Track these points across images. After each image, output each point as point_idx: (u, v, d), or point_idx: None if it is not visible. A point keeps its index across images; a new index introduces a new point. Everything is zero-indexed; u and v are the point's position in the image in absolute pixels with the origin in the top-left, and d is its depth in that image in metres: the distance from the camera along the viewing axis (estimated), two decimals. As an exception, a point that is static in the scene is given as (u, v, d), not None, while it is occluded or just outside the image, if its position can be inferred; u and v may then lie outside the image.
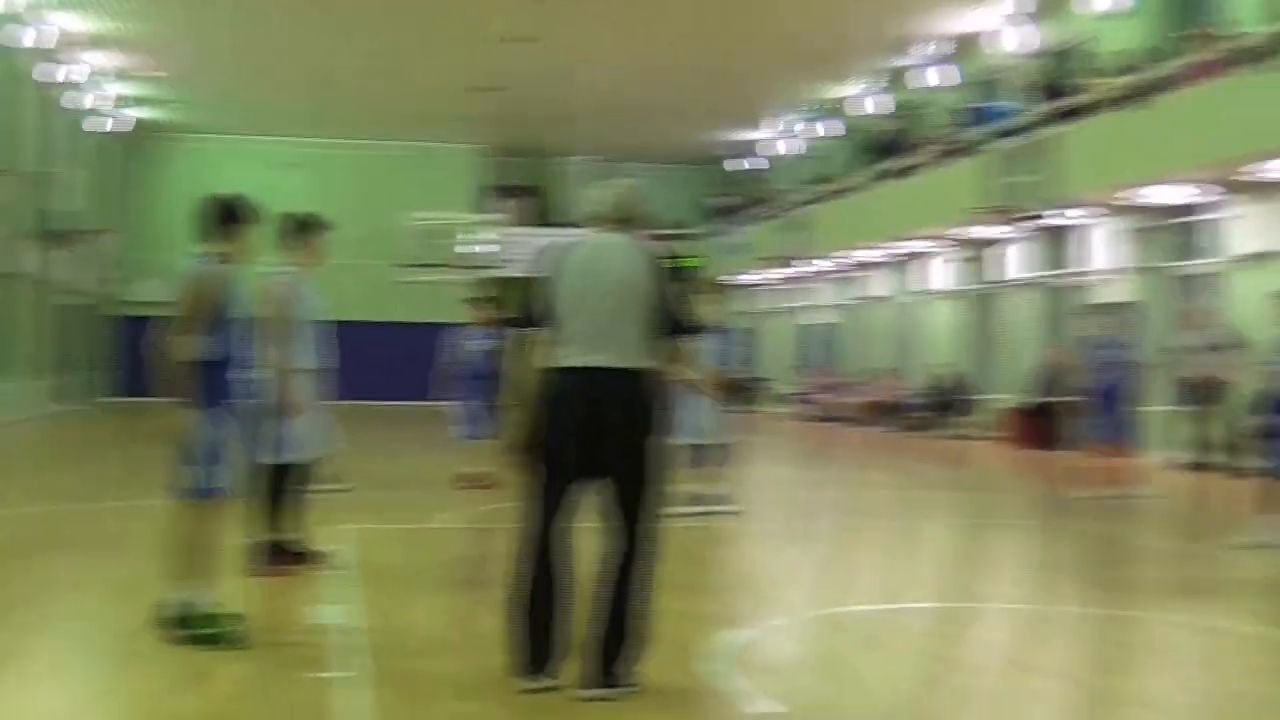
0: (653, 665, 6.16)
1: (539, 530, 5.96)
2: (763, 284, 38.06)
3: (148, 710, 5.79)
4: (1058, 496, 15.54)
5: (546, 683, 5.83)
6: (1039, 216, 21.15)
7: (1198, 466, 18.29)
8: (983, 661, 7.25)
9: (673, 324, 6.02)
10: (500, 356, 14.82)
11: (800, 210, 31.67)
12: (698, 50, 27.27)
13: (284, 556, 9.09)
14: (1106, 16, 21.97)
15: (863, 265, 31.10)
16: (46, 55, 26.87)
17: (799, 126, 35.63)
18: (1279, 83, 15.89)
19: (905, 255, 29.05)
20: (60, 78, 28.06)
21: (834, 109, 33.17)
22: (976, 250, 26.19)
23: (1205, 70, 17.64)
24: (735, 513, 12.56)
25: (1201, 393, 18.12)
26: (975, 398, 26.13)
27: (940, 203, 24.69)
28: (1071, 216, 21.46)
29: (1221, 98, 17.07)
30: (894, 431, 27.61)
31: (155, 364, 6.86)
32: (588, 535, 6.09)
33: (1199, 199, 19.26)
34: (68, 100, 29.73)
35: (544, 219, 40.21)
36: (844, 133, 33.65)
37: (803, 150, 36.70)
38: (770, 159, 38.99)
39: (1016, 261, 24.53)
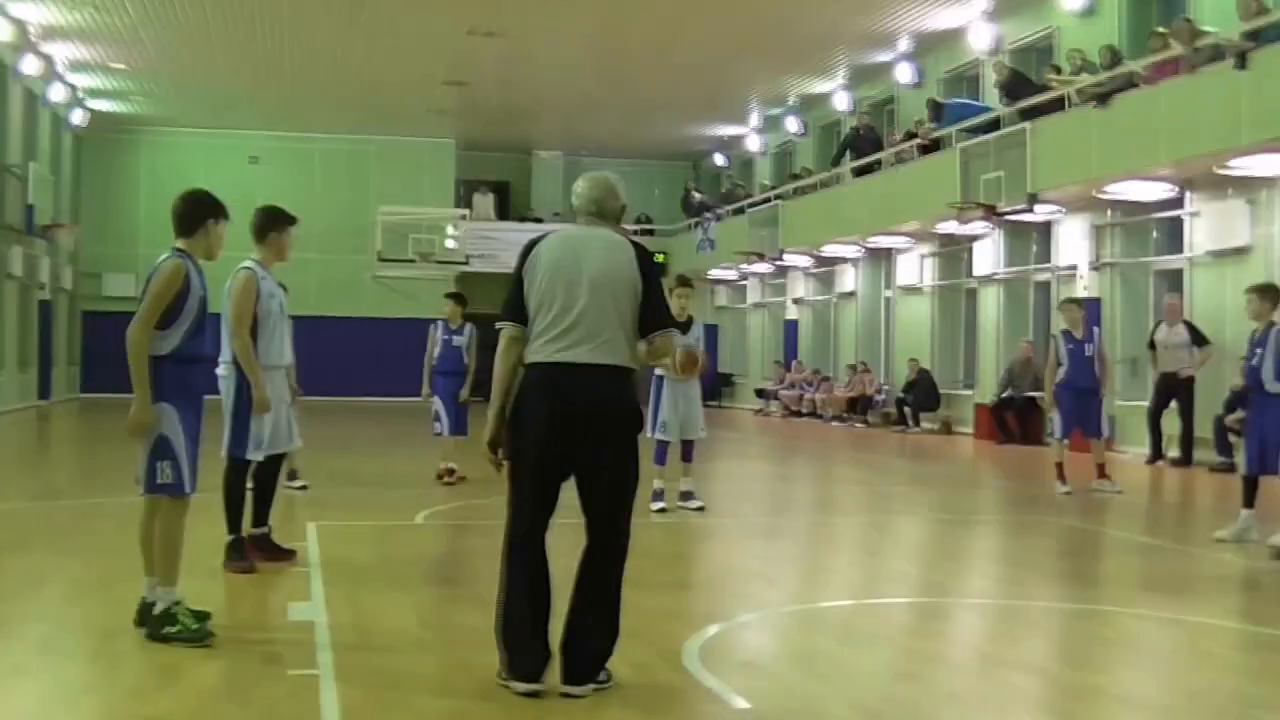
0: (624, 661, 6.13)
1: (521, 529, 5.92)
2: (735, 280, 38.09)
3: (117, 710, 5.73)
4: (1031, 491, 15.57)
5: (538, 686, 5.78)
6: (1010, 212, 21.18)
7: (1174, 461, 18.38)
8: (956, 657, 7.25)
9: (652, 318, 5.98)
10: (475, 352, 14.82)
11: (773, 206, 31.66)
12: (670, 46, 27.22)
13: (256, 552, 9.06)
14: (1077, 14, 22.05)
15: (835, 261, 31.11)
16: (4, 47, 26.59)
17: (772, 122, 35.62)
18: (1247, 80, 15.96)
19: (878, 251, 29.07)
20: (22, 70, 27.77)
21: (807, 105, 33.19)
22: (949, 246, 26.25)
23: (1173, 67, 17.71)
24: (700, 509, 12.55)
25: (1177, 387, 18.21)
26: (948, 393, 26.21)
27: (913, 199, 24.74)
28: (1042, 212, 21.51)
29: (1190, 95, 17.14)
30: (867, 427, 27.69)
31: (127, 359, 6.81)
32: (565, 531, 6.05)
33: (1170, 194, 19.34)
34: (27, 93, 29.44)
35: (515, 213, 40.19)
36: (817, 129, 33.69)
37: (776, 146, 36.74)
38: (743, 154, 39.01)
39: (988, 257, 24.58)
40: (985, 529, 12.90)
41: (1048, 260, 23.05)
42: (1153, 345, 18.71)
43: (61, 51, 28.35)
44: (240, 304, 8.76)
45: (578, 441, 5.85)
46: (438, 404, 14.90)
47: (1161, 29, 18.69)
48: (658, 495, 12.39)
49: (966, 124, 23.21)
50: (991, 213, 21.54)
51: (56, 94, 30.84)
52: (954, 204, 22.34)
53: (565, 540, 6.06)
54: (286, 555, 9.27)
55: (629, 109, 33.94)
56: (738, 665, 6.73)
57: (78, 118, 33.92)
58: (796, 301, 34.25)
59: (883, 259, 29.50)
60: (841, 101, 31.12)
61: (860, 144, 28.16)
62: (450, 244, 37.41)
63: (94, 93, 32.75)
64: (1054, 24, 22.94)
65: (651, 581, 8.40)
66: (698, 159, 41.62)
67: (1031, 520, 13.05)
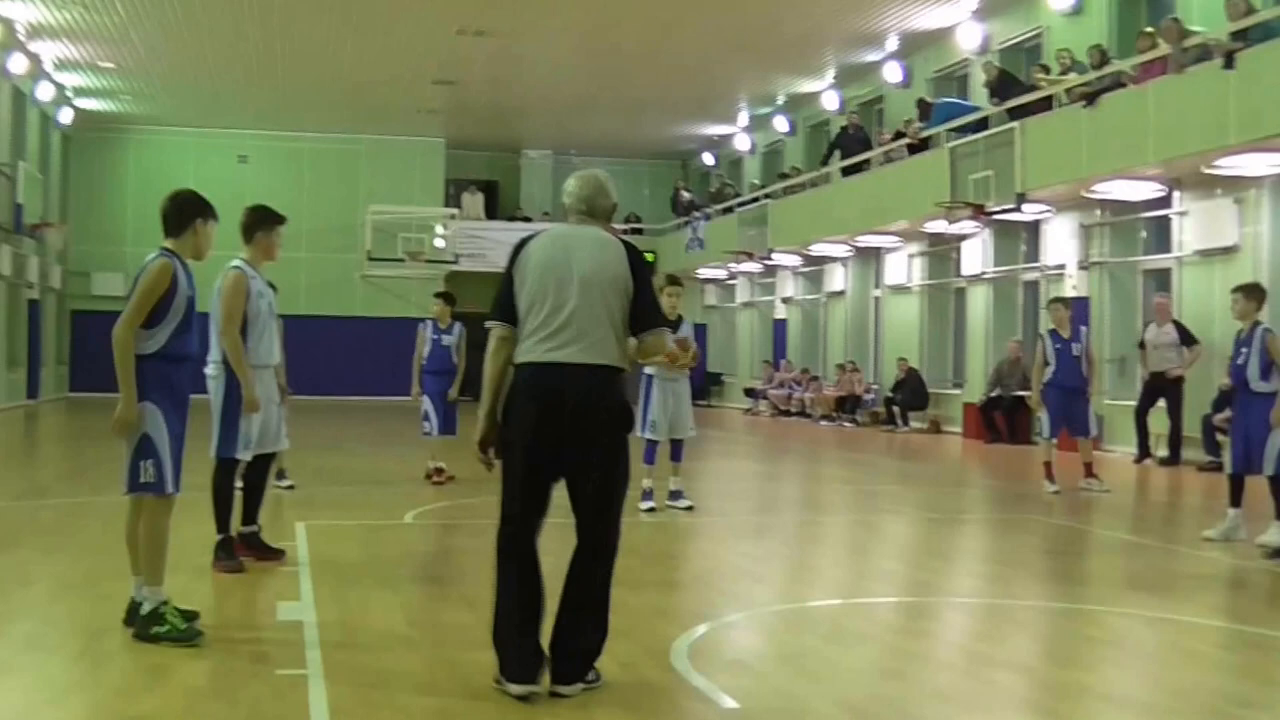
0: (612, 660, 6.14)
1: (512, 531, 5.91)
2: (724, 279, 38.11)
3: (104, 709, 5.72)
4: (1019, 490, 15.60)
5: (533, 688, 5.75)
6: (999, 212, 21.22)
7: (1162, 460, 18.42)
8: (943, 655, 7.26)
9: (643, 317, 5.96)
10: (464, 351, 14.82)
11: (762, 205, 31.68)
12: (659, 45, 27.22)
13: (245, 551, 9.07)
14: (1065, 14, 22.10)
15: (824, 260, 31.13)
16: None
17: (761, 121, 35.64)
18: (1234, 80, 15.99)
19: (867, 250, 29.10)
20: (10, 69, 27.70)
21: (796, 104, 33.21)
22: (938, 245, 26.28)
23: (1161, 67, 17.74)
24: (689, 508, 12.56)
25: (1166, 387, 18.25)
26: (936, 392, 26.25)
27: (902, 198, 24.77)
28: (1031, 212, 21.55)
29: (1178, 95, 17.18)
30: (856, 426, 27.71)
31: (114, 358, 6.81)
32: (556, 530, 6.05)
33: (1158, 194, 19.38)
34: (15, 91, 29.36)
35: (504, 213, 40.17)
36: (806, 128, 33.73)
37: (764, 145, 36.76)
38: (732, 154, 39.03)
39: (977, 256, 24.61)
40: (973, 528, 12.92)
41: (1036, 260, 23.09)
42: (1142, 345, 18.77)
43: (50, 50, 28.29)
44: (230, 303, 8.76)
45: (568, 441, 5.83)
46: (427, 403, 14.89)
47: (1149, 29, 18.74)
48: (647, 494, 12.41)
49: (955, 123, 23.25)
50: (980, 212, 21.57)
51: (45, 93, 30.77)
52: (942, 203, 22.37)
53: (556, 539, 6.06)
54: (275, 555, 9.28)
55: (618, 108, 33.94)
56: (726, 664, 6.74)
57: (66, 116, 33.86)
58: (785, 301, 34.28)
59: (871, 258, 29.54)
60: (830, 101, 31.16)
61: (849, 143, 28.18)
62: (439, 243, 37.41)
63: (82, 91, 32.68)
64: (1042, 24, 22.98)
65: (640, 580, 8.41)
66: (687, 158, 41.64)
67: (1019, 519, 13.07)
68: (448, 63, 28.67)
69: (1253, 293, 11.24)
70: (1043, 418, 14.91)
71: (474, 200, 39.26)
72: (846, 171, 27.88)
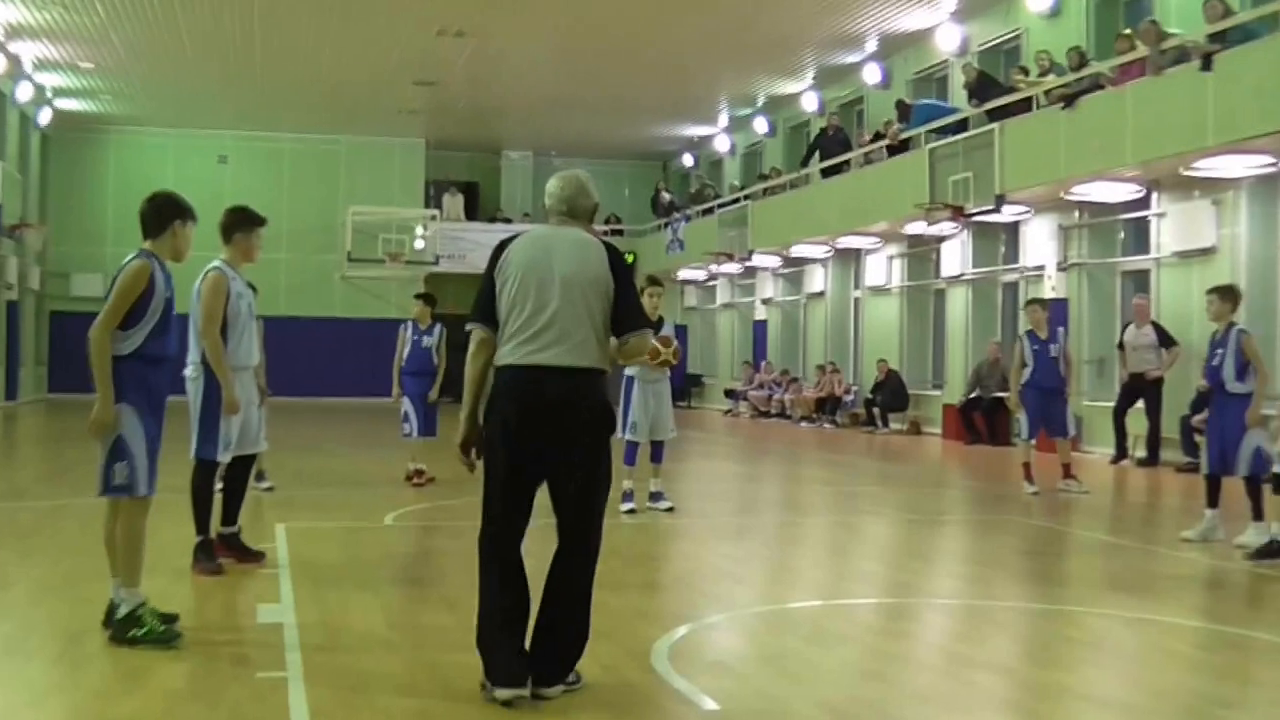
0: (593, 662, 6.14)
1: (495, 534, 5.90)
2: (704, 280, 38.12)
3: (83, 713, 5.71)
4: (998, 491, 15.64)
5: (519, 691, 5.72)
6: (978, 213, 21.27)
7: (1140, 461, 18.49)
8: (923, 656, 7.28)
9: (626, 318, 5.95)
10: (444, 352, 14.81)
11: (742, 206, 31.71)
12: (639, 46, 27.24)
13: (225, 551, 9.05)
14: (1043, 16, 22.17)
15: (804, 261, 31.17)
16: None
17: (741, 123, 35.68)
18: (1212, 82, 16.06)
19: (847, 252, 29.14)
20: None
21: (776, 105, 33.24)
22: (917, 246, 26.34)
23: (1139, 69, 17.81)
24: (670, 509, 12.57)
25: (1145, 388, 18.32)
26: (916, 393, 26.31)
27: (881, 199, 24.81)
28: (1010, 213, 21.61)
29: (1156, 96, 17.24)
30: (836, 427, 27.75)
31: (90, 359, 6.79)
32: (537, 532, 6.05)
33: (1136, 195, 19.45)
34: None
35: (484, 214, 40.13)
36: (786, 129, 33.76)
37: (745, 146, 36.80)
38: (712, 155, 39.06)
39: (956, 257, 24.67)
40: (953, 529, 12.95)
41: (1015, 261, 23.17)
42: (1122, 346, 18.84)
43: (29, 50, 28.16)
44: (210, 304, 8.73)
45: (550, 443, 5.82)
46: (407, 405, 14.86)
47: (1127, 31, 18.81)
48: (627, 496, 12.41)
49: (934, 125, 23.30)
50: (959, 213, 21.62)
51: (24, 93, 30.62)
52: (922, 204, 22.42)
53: (538, 542, 6.05)
54: (255, 557, 9.26)
55: (598, 110, 33.93)
56: (707, 665, 6.74)
57: (45, 117, 33.70)
58: (765, 302, 34.31)
59: (851, 260, 29.59)
60: (810, 102, 31.20)
61: (829, 145, 28.21)
62: (419, 244, 37.38)
63: (62, 92, 32.55)
64: (1021, 26, 23.05)
65: (621, 582, 8.42)
66: (667, 159, 41.65)
67: (999, 520, 13.11)
68: (428, 63, 28.63)
69: (1228, 294, 11.32)
70: (1021, 419, 14.96)
71: (454, 201, 39.23)
72: (826, 173, 27.91)
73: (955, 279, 24.86)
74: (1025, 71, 21.25)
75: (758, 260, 31.86)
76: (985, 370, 22.81)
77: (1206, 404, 12.69)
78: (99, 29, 26.16)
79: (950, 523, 13.42)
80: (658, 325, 12.06)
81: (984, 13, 24.01)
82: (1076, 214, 21.06)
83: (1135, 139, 17.56)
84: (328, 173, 38.07)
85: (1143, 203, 19.61)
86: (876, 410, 26.57)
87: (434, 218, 37.97)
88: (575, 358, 5.81)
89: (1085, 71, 19.20)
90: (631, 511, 12.31)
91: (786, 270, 32.72)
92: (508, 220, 38.35)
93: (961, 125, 22.41)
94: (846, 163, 27.17)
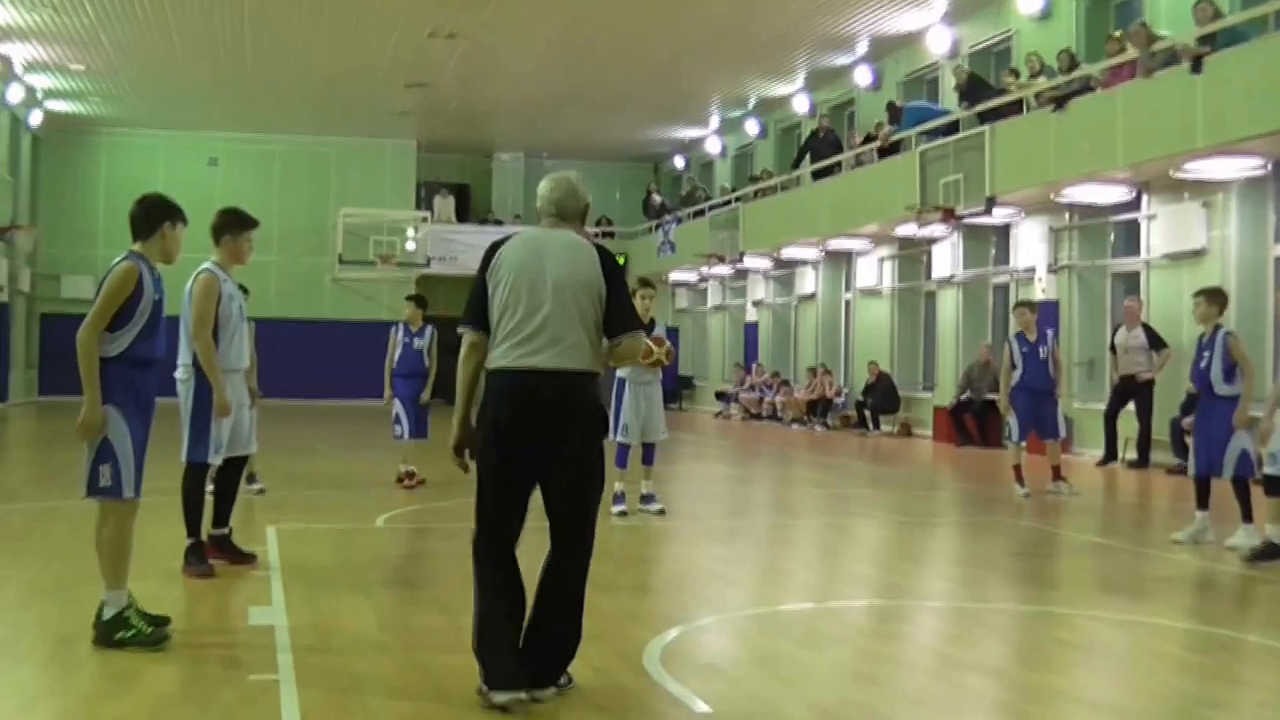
0: (585, 664, 6.15)
1: (488, 538, 5.89)
2: (695, 282, 38.12)
3: (73, 716, 5.71)
4: (989, 493, 15.66)
5: (515, 695, 5.69)
6: (969, 215, 21.30)
7: (1131, 463, 18.51)
8: (915, 659, 7.29)
9: (618, 320, 5.94)
10: (436, 354, 14.81)
11: (733, 208, 31.73)
12: (630, 48, 27.25)
13: (216, 553, 9.05)
14: (1034, 18, 22.21)
15: (795, 263, 31.18)
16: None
17: (732, 124, 35.69)
18: (1202, 84, 16.09)
19: (838, 254, 29.16)
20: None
21: (767, 107, 33.26)
22: (908, 248, 26.36)
23: (1129, 71, 17.85)
24: (661, 511, 12.57)
25: (1136, 390, 18.34)
26: (907, 395, 26.33)
27: (872, 201, 24.83)
28: (1001, 215, 21.63)
29: (1146, 99, 17.27)
30: (827, 429, 27.76)
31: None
32: (530, 535, 6.05)
33: (1126, 197, 19.49)
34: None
35: (475, 216, 40.12)
36: (777, 131, 33.79)
37: (736, 148, 36.81)
38: (703, 157, 39.06)
39: (947, 259, 24.70)
40: (944, 531, 12.96)
41: (1006, 263, 23.19)
42: (1113, 348, 18.87)
43: (19, 52, 28.10)
44: (202, 307, 8.73)
45: (542, 446, 5.81)
46: (398, 406, 14.85)
47: (1117, 33, 18.86)
48: (619, 498, 12.41)
49: (925, 127, 23.32)
50: (950, 215, 21.65)
51: (14, 95, 30.55)
52: (912, 206, 22.44)
53: (530, 544, 6.05)
54: (247, 559, 9.26)
55: (589, 111, 33.93)
56: (698, 668, 6.74)
57: (36, 119, 33.62)
58: (757, 304, 34.31)
59: (842, 262, 29.61)
60: (801, 104, 31.21)
61: (820, 147, 28.23)
62: (410, 246, 37.36)
63: (52, 94, 32.47)
64: (1011, 28, 23.09)
65: (612, 584, 8.42)
66: (658, 161, 41.65)
67: (990, 522, 13.12)
68: (419, 65, 28.61)
69: (1214, 296, 11.38)
70: (1011, 421, 14.97)
71: (445, 203, 39.20)
72: (817, 175, 27.93)
73: (946, 281, 24.89)
74: (1016, 74, 21.29)
75: (749, 262, 31.86)
76: (976, 372, 22.83)
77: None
78: (89, 30, 26.12)
79: (941, 525, 13.43)
80: (649, 327, 12.06)
81: (974, 15, 24.04)
82: (1067, 216, 21.09)
83: (1125, 141, 17.59)
84: (318, 174, 38.01)
85: (1133, 205, 19.64)
86: (867, 412, 26.59)
87: (425, 219, 37.94)
88: (568, 361, 5.81)
89: (1076, 74, 19.23)
90: (623, 513, 12.32)
91: (778, 272, 32.72)
92: (499, 222, 38.35)
93: (952, 127, 22.44)
94: (838, 165, 27.18)
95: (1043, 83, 19.98)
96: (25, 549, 10.16)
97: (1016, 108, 20.54)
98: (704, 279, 37.15)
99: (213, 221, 9.09)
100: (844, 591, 9.47)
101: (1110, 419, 18.77)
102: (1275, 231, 17.67)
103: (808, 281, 31.09)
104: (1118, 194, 19.44)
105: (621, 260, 34.14)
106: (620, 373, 12.26)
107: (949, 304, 24.96)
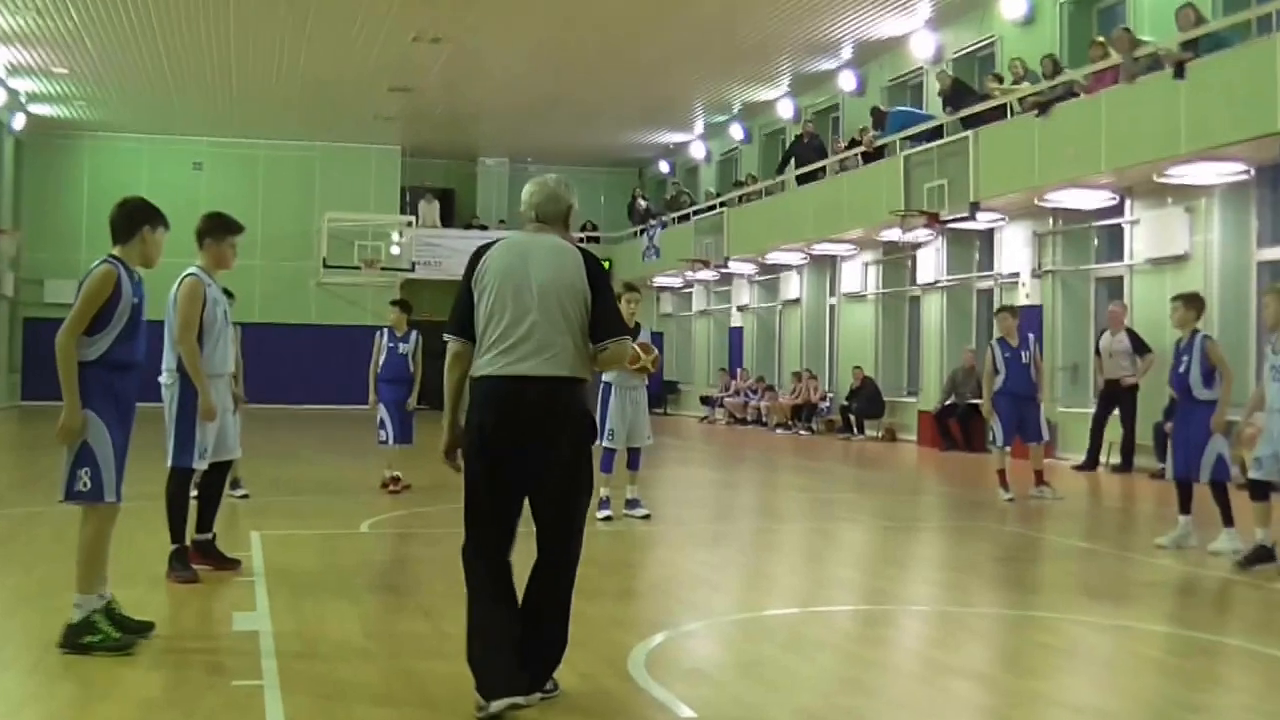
0: (570, 670, 6.14)
1: (477, 546, 5.86)
2: (680, 287, 38.14)
3: (56, 722, 5.69)
4: (974, 498, 15.69)
5: (516, 699, 5.65)
6: (953, 220, 21.35)
7: (1115, 468, 18.55)
8: (900, 664, 7.29)
9: (603, 325, 5.89)
10: (421, 360, 14.78)
11: (717, 213, 31.76)
12: (615, 53, 27.28)
13: (200, 559, 9.03)
14: (1017, 24, 22.28)
15: (780, 268, 31.21)
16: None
17: (717, 129, 35.73)
18: (1185, 89, 16.15)
19: (822, 258, 29.19)
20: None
21: (751, 112, 33.30)
22: (892, 253, 26.40)
23: (1112, 77, 17.91)
24: (646, 516, 12.57)
25: (1120, 395, 18.38)
26: (892, 400, 26.36)
27: (857, 206, 24.88)
28: (985, 220, 21.68)
29: (1130, 104, 17.33)
30: (812, 434, 27.78)
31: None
32: (517, 541, 6.04)
33: (1110, 203, 19.54)
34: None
35: (460, 220, 40.10)
36: (762, 136, 33.83)
37: (720, 153, 36.84)
38: (688, 161, 39.10)
39: (931, 264, 24.75)
40: (928, 536, 12.98)
41: (990, 268, 23.25)
42: (1098, 352, 18.92)
43: (2, 56, 28.04)
44: (186, 311, 8.70)
45: (530, 452, 5.76)
46: (383, 412, 14.82)
47: (1101, 38, 18.92)
48: (604, 503, 12.41)
49: (909, 132, 23.37)
50: (934, 220, 21.69)
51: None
52: (897, 211, 22.48)
53: (518, 549, 6.03)
54: (231, 564, 9.24)
55: (574, 116, 33.94)
56: (684, 673, 6.74)
57: (19, 122, 33.55)
58: (741, 309, 34.35)
59: (827, 266, 29.65)
60: (786, 109, 31.26)
61: (804, 151, 28.27)
62: (395, 251, 37.33)
63: (36, 97, 32.41)
64: (995, 33, 23.16)
65: (598, 589, 8.41)
66: (643, 166, 41.69)
67: (974, 527, 13.14)
68: (404, 69, 28.61)
69: (1192, 302, 11.45)
70: (995, 426, 15.00)
71: (430, 208, 39.18)
72: (802, 180, 27.98)
73: (930, 286, 24.94)
74: (999, 79, 21.35)
75: (734, 267, 31.90)
76: (960, 377, 22.88)
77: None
78: (73, 34, 26.07)
79: (926, 529, 13.45)
80: (635, 332, 12.06)
81: (958, 20, 24.10)
82: (1051, 221, 21.16)
83: (1109, 146, 17.65)
84: (303, 179, 37.99)
85: (1116, 210, 19.70)
86: (852, 417, 26.63)
87: (410, 224, 37.90)
88: (555, 367, 5.78)
89: (1059, 79, 19.29)
90: (608, 519, 12.32)
91: (762, 277, 32.77)
92: (484, 227, 38.34)
93: (936, 132, 22.50)
94: (822, 169, 27.23)
95: (1026, 88, 20.05)
96: (8, 554, 10.11)
97: (1000, 113, 20.61)
98: (689, 284, 37.18)
99: (197, 226, 9.07)
100: (829, 596, 9.48)
101: (1097, 425, 18.79)
102: (1258, 236, 17.75)
103: (792, 286, 31.13)
104: (1101, 199, 19.51)
105: (607, 265, 34.24)
106: (606, 377, 12.26)
107: (933, 309, 25.01)
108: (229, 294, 9.39)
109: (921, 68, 25.61)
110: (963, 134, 21.12)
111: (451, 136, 37.23)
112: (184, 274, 8.84)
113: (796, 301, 30.97)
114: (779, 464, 21.39)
